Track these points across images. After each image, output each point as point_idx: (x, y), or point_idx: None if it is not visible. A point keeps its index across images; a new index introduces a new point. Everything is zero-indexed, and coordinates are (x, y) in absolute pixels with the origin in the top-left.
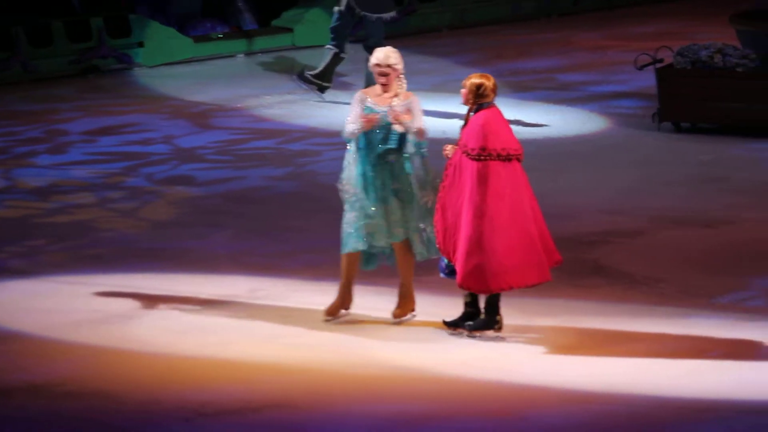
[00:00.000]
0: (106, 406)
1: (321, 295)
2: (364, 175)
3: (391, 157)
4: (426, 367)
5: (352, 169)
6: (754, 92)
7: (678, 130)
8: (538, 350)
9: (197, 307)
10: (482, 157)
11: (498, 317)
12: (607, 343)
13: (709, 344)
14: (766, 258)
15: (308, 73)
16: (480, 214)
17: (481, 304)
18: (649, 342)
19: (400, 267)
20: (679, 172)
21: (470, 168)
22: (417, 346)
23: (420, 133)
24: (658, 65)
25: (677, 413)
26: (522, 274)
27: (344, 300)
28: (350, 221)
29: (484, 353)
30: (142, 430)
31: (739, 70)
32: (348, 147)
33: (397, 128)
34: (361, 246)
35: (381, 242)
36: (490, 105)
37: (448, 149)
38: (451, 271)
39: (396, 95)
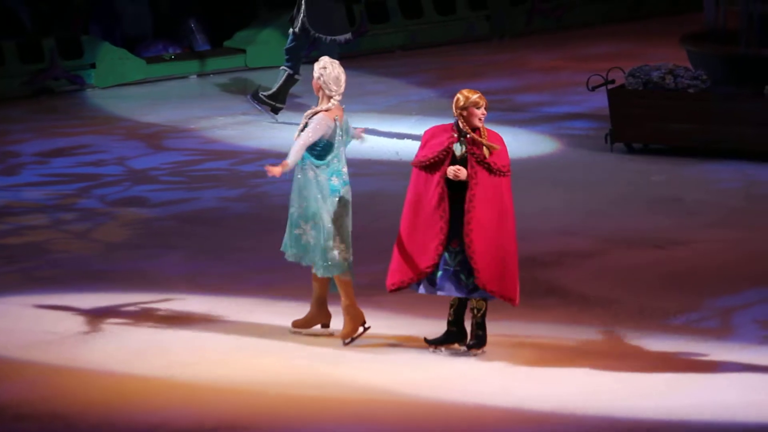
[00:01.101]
0: (58, 428)
1: (276, 315)
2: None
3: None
4: (380, 388)
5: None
6: (705, 113)
7: (630, 151)
8: (491, 369)
9: (151, 328)
10: (505, 172)
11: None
12: (560, 363)
13: (663, 365)
14: (717, 279)
15: (262, 94)
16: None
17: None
18: (603, 362)
19: (342, 286)
20: (632, 193)
21: (504, 183)
22: (371, 366)
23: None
24: (610, 86)
25: None
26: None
27: (317, 315)
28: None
29: (438, 372)
30: None
31: (690, 91)
32: None
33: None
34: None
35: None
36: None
37: (453, 170)
38: (473, 289)
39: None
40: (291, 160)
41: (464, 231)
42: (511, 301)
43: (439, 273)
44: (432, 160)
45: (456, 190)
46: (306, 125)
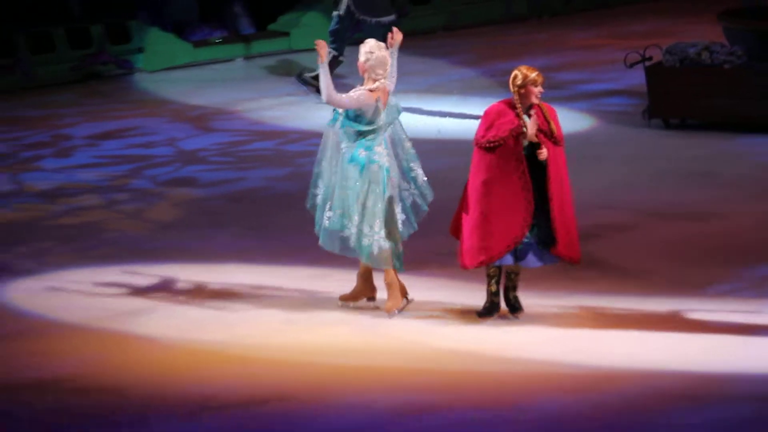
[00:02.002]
0: (112, 401)
1: (323, 289)
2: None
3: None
4: (426, 357)
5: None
6: (741, 88)
7: (667, 126)
8: (533, 339)
9: (202, 303)
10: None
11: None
12: (599, 333)
13: (700, 333)
14: (753, 249)
15: (307, 75)
16: (563, 184)
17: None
18: (641, 331)
19: (387, 274)
20: (669, 168)
21: (562, 153)
22: (415, 338)
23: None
24: (648, 63)
25: (667, 401)
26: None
27: (365, 288)
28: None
29: (482, 341)
30: (146, 425)
31: (726, 66)
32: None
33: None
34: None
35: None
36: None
37: (543, 152)
38: (540, 252)
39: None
40: (326, 82)
41: (550, 205)
42: (577, 261)
43: (520, 246)
44: (506, 139)
45: (539, 166)
46: None
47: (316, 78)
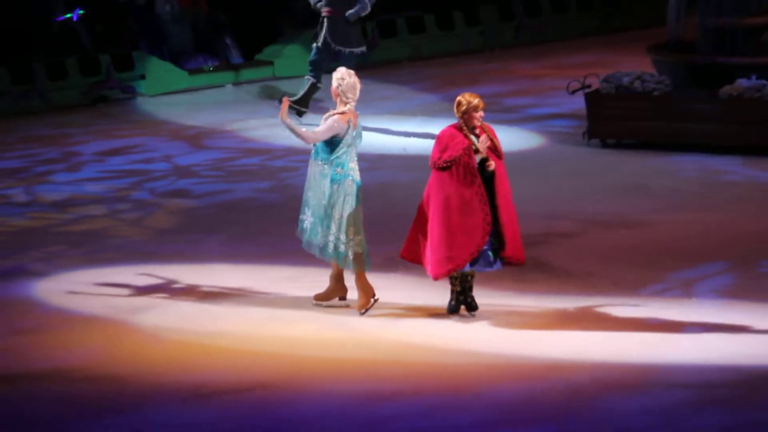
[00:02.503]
0: (114, 389)
1: (301, 289)
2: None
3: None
4: (393, 351)
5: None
6: (668, 112)
7: (605, 145)
8: (488, 334)
9: (194, 301)
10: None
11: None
12: (546, 327)
13: (635, 328)
14: (680, 255)
15: (289, 100)
16: (506, 196)
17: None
18: (584, 326)
19: (358, 275)
20: (606, 182)
21: (504, 167)
22: (383, 334)
23: (305, 135)
24: (587, 90)
25: (607, 388)
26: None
27: (338, 290)
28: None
29: (441, 336)
30: (144, 411)
31: (655, 93)
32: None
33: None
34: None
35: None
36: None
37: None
38: (494, 263)
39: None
40: (291, 122)
41: (499, 213)
42: (523, 262)
43: (481, 253)
44: (461, 157)
45: (489, 179)
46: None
47: (297, 102)
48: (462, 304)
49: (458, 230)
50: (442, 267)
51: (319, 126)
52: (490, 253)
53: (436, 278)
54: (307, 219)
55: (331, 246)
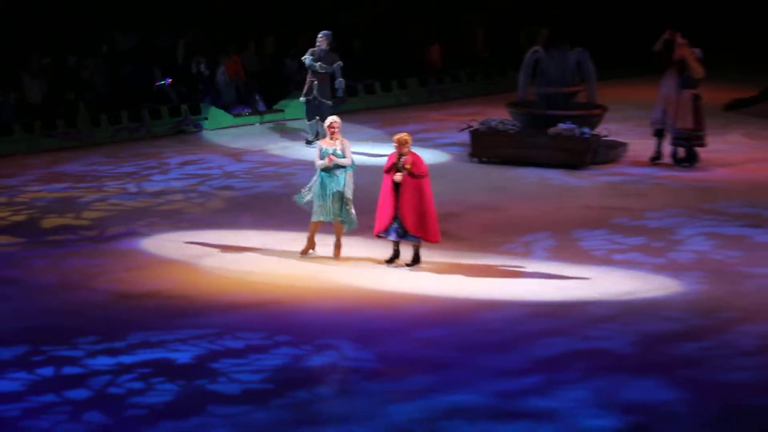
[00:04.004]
0: (185, 303)
1: (297, 245)
2: (321, 183)
3: (335, 173)
4: (355, 285)
5: (316, 180)
6: (518, 143)
7: (481, 162)
8: (419, 279)
9: (234, 252)
10: (422, 176)
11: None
12: (448, 272)
13: (494, 272)
14: (524, 227)
15: (310, 139)
16: (425, 198)
17: (403, 251)
18: (464, 271)
19: (336, 230)
20: (481, 183)
21: (416, 183)
22: (350, 273)
23: (348, 161)
24: (471, 128)
25: (478, 305)
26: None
27: (311, 245)
28: (315, 205)
29: (389, 280)
30: (202, 316)
31: (510, 131)
32: (316, 170)
33: (334, 161)
34: (321, 218)
35: (327, 216)
36: (406, 150)
37: (397, 176)
38: (401, 234)
39: (337, 140)
40: (336, 159)
41: (399, 206)
42: (428, 240)
43: (391, 227)
44: (389, 169)
45: (398, 185)
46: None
47: (309, 142)
48: (398, 256)
49: (382, 209)
50: (375, 229)
51: (346, 151)
52: (399, 229)
53: (375, 235)
54: (307, 193)
55: (344, 215)
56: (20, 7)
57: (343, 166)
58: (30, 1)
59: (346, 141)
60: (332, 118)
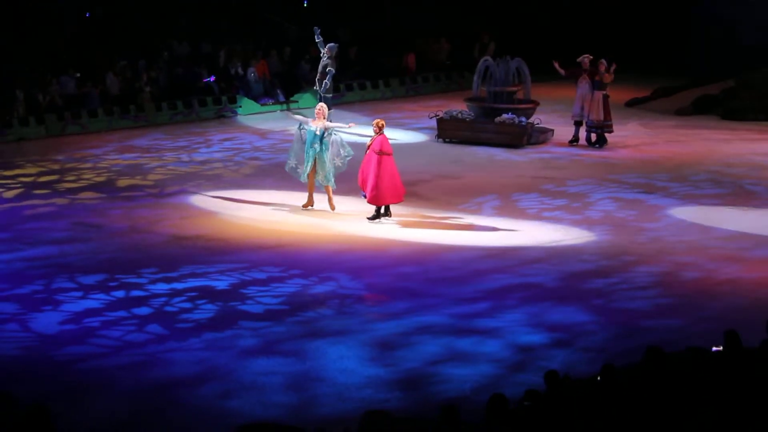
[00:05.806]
0: (222, 245)
1: (304, 200)
2: (309, 149)
3: (317, 143)
4: (350, 234)
5: (302, 146)
6: (473, 128)
7: (445, 142)
8: (395, 229)
9: (260, 206)
10: (384, 153)
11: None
12: (417, 226)
13: (454, 224)
14: (475, 191)
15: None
16: (379, 173)
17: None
18: (431, 223)
19: (326, 190)
20: (444, 158)
21: (378, 158)
22: (346, 224)
23: (326, 128)
24: (438, 117)
25: (442, 249)
26: (385, 198)
27: (310, 201)
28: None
29: (371, 229)
30: (235, 254)
31: (467, 119)
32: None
33: (319, 126)
34: (303, 179)
35: (318, 178)
36: (381, 133)
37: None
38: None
39: (319, 121)
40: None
41: (364, 176)
42: (369, 202)
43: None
44: (370, 146)
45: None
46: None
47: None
48: (379, 214)
49: (360, 176)
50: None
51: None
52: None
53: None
54: (290, 160)
55: (330, 174)
56: (103, 24)
57: (322, 134)
58: (111, 19)
59: (327, 122)
60: (319, 105)
